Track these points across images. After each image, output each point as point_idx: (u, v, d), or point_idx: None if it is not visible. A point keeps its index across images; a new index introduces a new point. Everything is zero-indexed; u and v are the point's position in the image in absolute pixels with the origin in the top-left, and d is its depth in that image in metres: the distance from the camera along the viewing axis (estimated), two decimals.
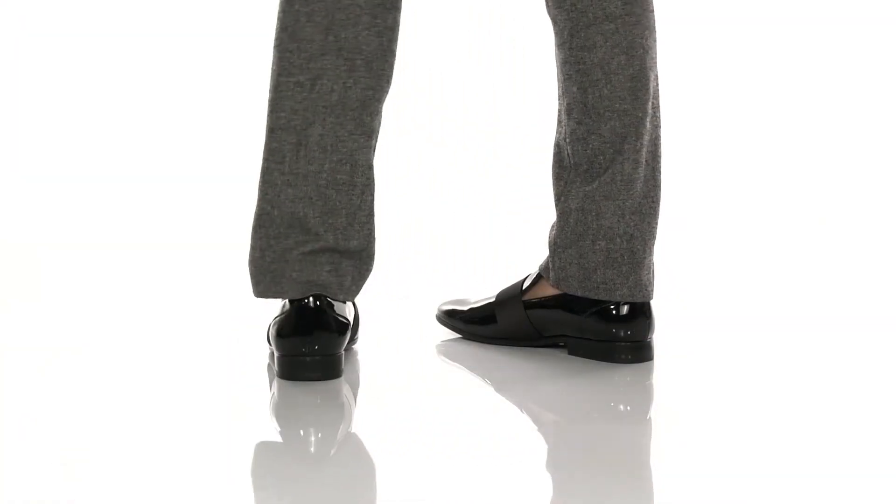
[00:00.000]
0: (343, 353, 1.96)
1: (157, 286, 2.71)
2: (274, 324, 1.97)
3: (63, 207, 3.35)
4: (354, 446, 1.75)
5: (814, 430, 1.76)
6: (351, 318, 2.02)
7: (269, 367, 2.04)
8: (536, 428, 1.82)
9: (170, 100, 3.63)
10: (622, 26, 1.99)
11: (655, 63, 2.03)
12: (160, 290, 2.67)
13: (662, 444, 1.72)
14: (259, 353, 2.12)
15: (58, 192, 3.42)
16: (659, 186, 2.04)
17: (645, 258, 2.02)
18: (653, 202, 2.03)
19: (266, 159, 1.97)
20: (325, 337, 1.93)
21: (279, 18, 1.96)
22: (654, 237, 2.04)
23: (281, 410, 1.89)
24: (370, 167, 1.98)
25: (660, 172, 2.04)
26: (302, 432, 1.77)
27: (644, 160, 2.02)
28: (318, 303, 1.94)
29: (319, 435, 1.76)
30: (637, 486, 1.56)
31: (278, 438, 1.77)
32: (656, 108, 2.04)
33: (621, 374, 1.98)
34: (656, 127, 2.04)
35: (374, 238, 2.01)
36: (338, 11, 1.94)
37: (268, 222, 1.97)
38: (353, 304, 2.09)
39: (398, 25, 1.99)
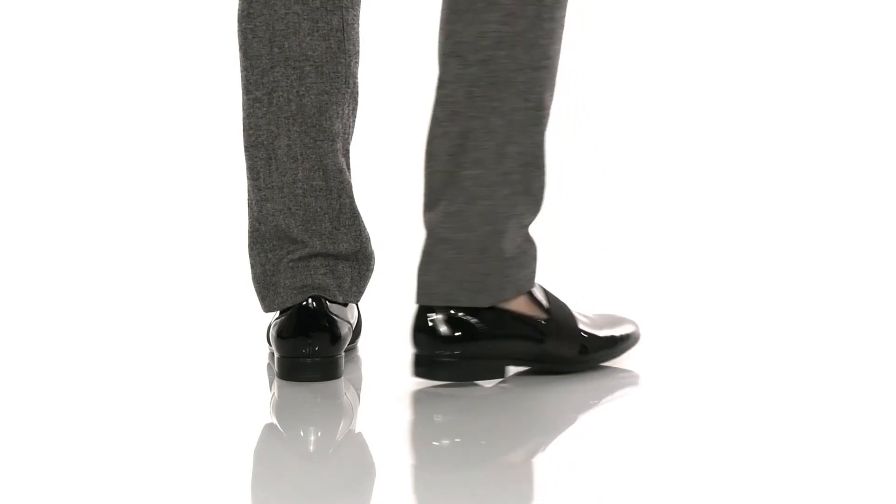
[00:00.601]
0: (343, 354, 1.96)
1: (157, 286, 2.71)
2: (274, 325, 1.97)
3: (63, 207, 3.35)
4: (354, 446, 1.74)
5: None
6: (353, 321, 2.02)
7: (269, 367, 2.04)
8: (537, 428, 1.82)
9: (170, 99, 3.63)
10: None
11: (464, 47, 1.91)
12: (160, 290, 2.67)
13: (660, 446, 1.72)
14: (259, 353, 2.12)
15: (58, 191, 3.42)
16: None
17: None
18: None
19: (247, 178, 2.00)
20: (325, 339, 1.93)
21: (237, 40, 1.98)
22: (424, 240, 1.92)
23: (281, 410, 1.89)
24: (341, 171, 1.98)
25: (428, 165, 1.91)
26: (302, 432, 1.77)
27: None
28: (317, 305, 1.94)
29: (319, 434, 1.76)
30: (637, 488, 1.56)
31: (278, 438, 1.77)
32: (470, 97, 1.88)
33: (623, 376, 1.98)
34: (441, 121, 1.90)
35: (366, 238, 2.01)
36: (277, 22, 1.95)
37: (259, 239, 1.99)
38: (357, 308, 2.09)
39: (349, 25, 1.98)
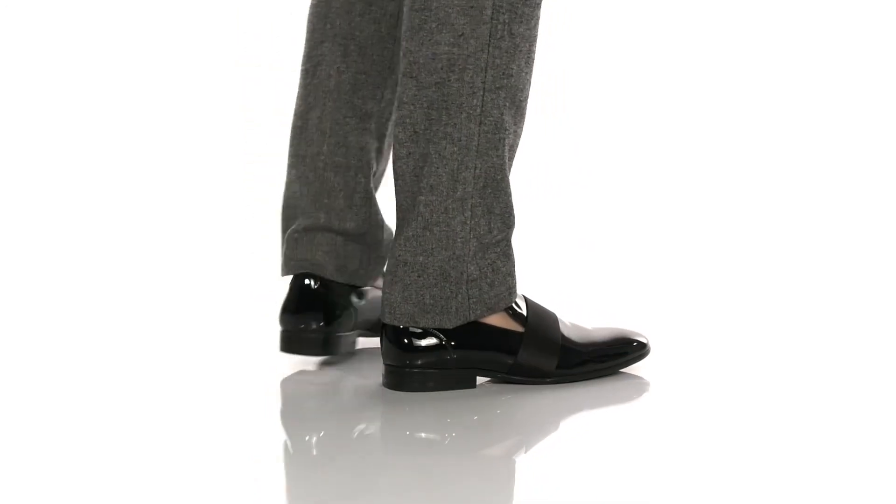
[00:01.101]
0: (341, 334, 2.02)
1: (160, 285, 2.71)
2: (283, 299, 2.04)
3: (63, 207, 3.35)
4: (356, 446, 1.74)
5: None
6: (351, 302, 2.04)
7: (273, 368, 2.05)
8: (539, 428, 1.81)
9: (171, 97, 3.63)
10: None
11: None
12: (163, 289, 2.67)
13: (659, 445, 1.72)
14: (262, 352, 2.12)
15: (58, 191, 3.42)
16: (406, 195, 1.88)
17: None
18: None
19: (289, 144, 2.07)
20: (318, 317, 1.99)
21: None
22: (388, 258, 1.90)
23: (282, 411, 1.89)
24: (361, 149, 2.02)
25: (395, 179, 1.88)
26: (304, 433, 1.77)
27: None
28: (312, 282, 2.00)
29: (320, 434, 1.76)
30: (638, 490, 1.55)
31: (281, 439, 1.76)
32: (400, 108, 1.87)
33: (624, 377, 1.98)
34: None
35: (378, 223, 2.05)
36: (334, 0, 2.03)
37: (285, 205, 2.05)
38: (370, 292, 2.10)
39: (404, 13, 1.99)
